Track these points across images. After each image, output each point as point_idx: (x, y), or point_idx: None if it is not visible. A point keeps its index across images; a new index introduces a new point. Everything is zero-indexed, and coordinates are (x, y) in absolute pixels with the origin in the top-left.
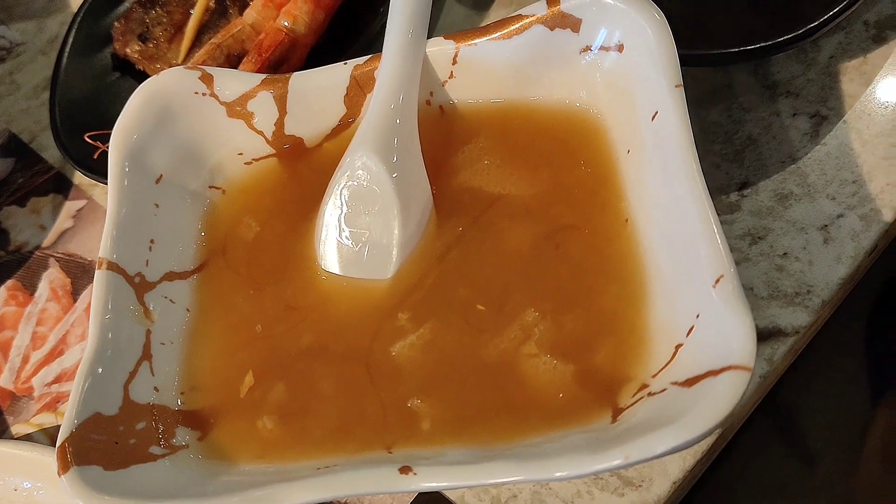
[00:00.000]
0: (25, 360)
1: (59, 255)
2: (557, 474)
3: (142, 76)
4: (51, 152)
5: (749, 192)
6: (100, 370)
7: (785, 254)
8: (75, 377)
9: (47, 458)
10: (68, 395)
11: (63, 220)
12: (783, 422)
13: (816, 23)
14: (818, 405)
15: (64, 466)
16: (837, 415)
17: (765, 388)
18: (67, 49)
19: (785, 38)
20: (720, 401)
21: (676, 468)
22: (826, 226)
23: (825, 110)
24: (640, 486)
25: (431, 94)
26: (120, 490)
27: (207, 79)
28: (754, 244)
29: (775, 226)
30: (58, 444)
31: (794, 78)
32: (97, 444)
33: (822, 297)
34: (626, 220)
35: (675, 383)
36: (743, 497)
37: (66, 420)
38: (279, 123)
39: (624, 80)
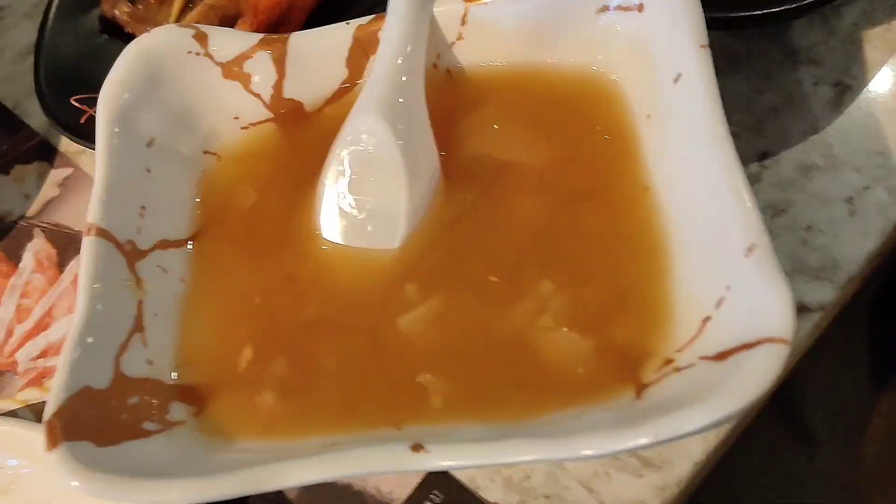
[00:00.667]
0: (9, 333)
1: (44, 225)
2: (585, 452)
3: (130, 39)
4: (35, 119)
5: (770, 164)
6: (89, 341)
7: (809, 227)
8: (62, 349)
9: (34, 435)
10: (55, 369)
11: (48, 189)
12: (786, 407)
13: None
14: (821, 391)
15: (52, 442)
16: (841, 400)
17: (788, 366)
18: (53, 11)
19: (807, 1)
20: (757, 375)
21: (698, 449)
22: (851, 198)
23: (848, 79)
24: (660, 466)
25: (439, 56)
26: (112, 467)
27: (202, 37)
28: (777, 217)
29: (798, 198)
30: (45, 419)
31: (815, 45)
32: (87, 419)
33: (849, 272)
34: (647, 188)
35: (704, 357)
36: (745, 482)
37: (53, 394)
38: (277, 86)
39: (644, 42)
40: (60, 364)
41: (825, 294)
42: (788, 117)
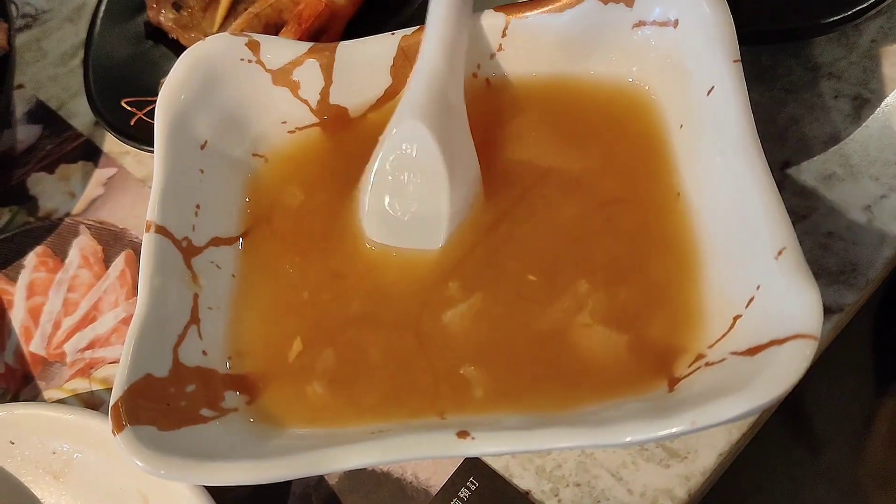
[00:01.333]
0: (57, 326)
1: (89, 223)
2: (626, 439)
3: (175, 45)
4: (80, 119)
5: (792, 172)
6: (149, 332)
7: (829, 233)
8: (126, 339)
9: (87, 421)
10: (102, 361)
11: (93, 188)
12: (791, 408)
13: (862, 6)
14: (825, 392)
15: (118, 426)
16: (844, 402)
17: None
18: (100, 15)
19: (830, 19)
20: (788, 368)
21: (723, 440)
22: (869, 206)
23: (867, 93)
24: (685, 457)
25: (479, 66)
26: (174, 450)
27: (254, 45)
28: (798, 223)
29: (819, 205)
30: (111, 404)
31: (836, 61)
32: (149, 405)
33: (867, 276)
34: (679, 193)
35: (734, 353)
36: (750, 482)
37: (117, 381)
38: (324, 93)
39: (678, 56)
40: (124, 353)
41: (844, 296)
42: (809, 128)
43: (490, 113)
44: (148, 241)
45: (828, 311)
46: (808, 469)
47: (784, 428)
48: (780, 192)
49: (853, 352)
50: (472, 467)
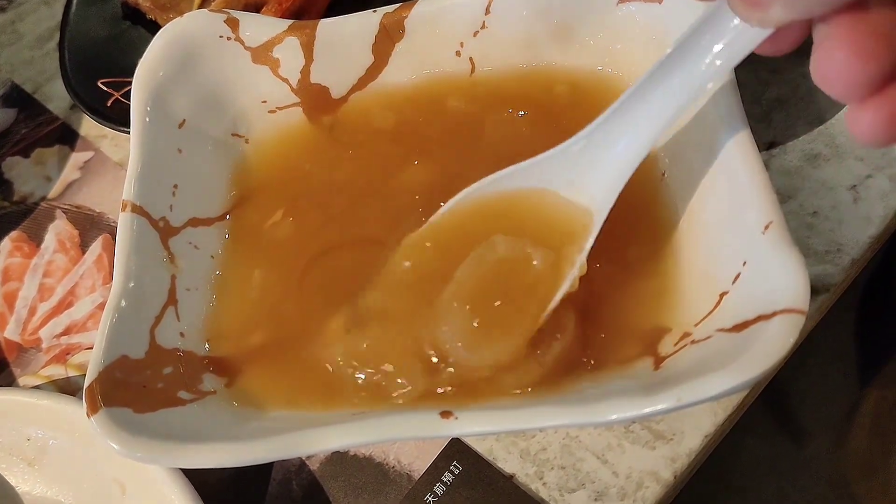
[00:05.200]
0: (32, 311)
1: (66, 207)
2: (611, 417)
3: (152, 25)
4: (56, 103)
5: (777, 152)
6: (126, 312)
7: (815, 213)
8: (100, 320)
9: (62, 406)
10: (78, 347)
11: (70, 172)
12: (774, 398)
13: None
14: (809, 383)
15: (93, 408)
16: (828, 393)
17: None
18: None
19: None
20: (775, 343)
21: (708, 422)
22: (855, 186)
23: None
24: (671, 439)
25: (462, 44)
26: (150, 432)
27: (233, 23)
28: (784, 203)
29: (804, 185)
30: (86, 386)
31: None
32: (125, 387)
33: (852, 256)
34: (664, 173)
35: (721, 330)
36: (733, 472)
37: (92, 362)
38: (305, 71)
39: (663, 33)
40: (99, 334)
41: (830, 276)
42: (795, 109)
43: (472, 97)
44: (124, 221)
45: (814, 291)
46: (791, 459)
47: (768, 418)
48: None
49: (837, 343)
50: (456, 451)
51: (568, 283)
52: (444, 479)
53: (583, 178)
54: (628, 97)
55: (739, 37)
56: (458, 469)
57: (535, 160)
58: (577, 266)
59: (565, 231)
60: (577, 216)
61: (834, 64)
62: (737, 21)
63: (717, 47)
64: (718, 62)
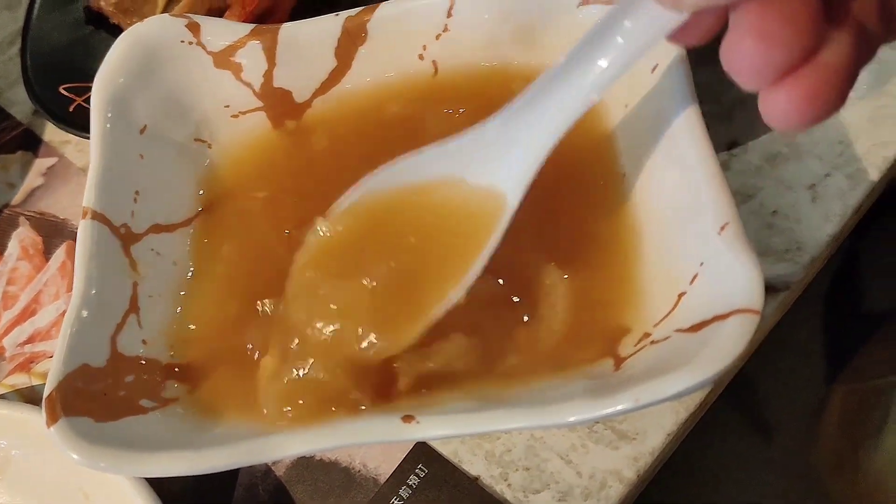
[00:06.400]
0: None
1: (29, 214)
2: (569, 419)
3: (116, 30)
4: (18, 108)
5: (738, 152)
6: (86, 321)
7: (774, 212)
8: (61, 329)
9: (25, 416)
10: (42, 355)
11: (33, 178)
12: (742, 395)
13: None
14: (777, 379)
15: (53, 417)
16: (795, 389)
17: (754, 343)
18: (38, 1)
19: None
20: (730, 342)
21: (670, 421)
22: (814, 185)
23: None
24: (634, 438)
25: (425, 47)
26: (112, 441)
27: (194, 27)
28: (744, 202)
29: (764, 185)
30: (45, 395)
31: None
32: (86, 396)
33: (811, 254)
34: (623, 174)
35: (679, 330)
36: (702, 469)
37: (52, 371)
38: (268, 75)
39: None
40: (59, 342)
41: (790, 274)
42: (755, 108)
43: (433, 100)
44: (84, 228)
45: (774, 289)
46: (760, 455)
47: (735, 415)
48: (726, 171)
49: (804, 338)
50: (421, 454)
51: (480, 264)
52: (410, 482)
53: (493, 164)
54: (544, 78)
55: (654, 21)
56: (424, 472)
57: (442, 145)
58: (488, 249)
59: (477, 217)
60: (489, 202)
61: (742, 51)
62: (652, 5)
63: (630, 28)
64: (632, 46)
